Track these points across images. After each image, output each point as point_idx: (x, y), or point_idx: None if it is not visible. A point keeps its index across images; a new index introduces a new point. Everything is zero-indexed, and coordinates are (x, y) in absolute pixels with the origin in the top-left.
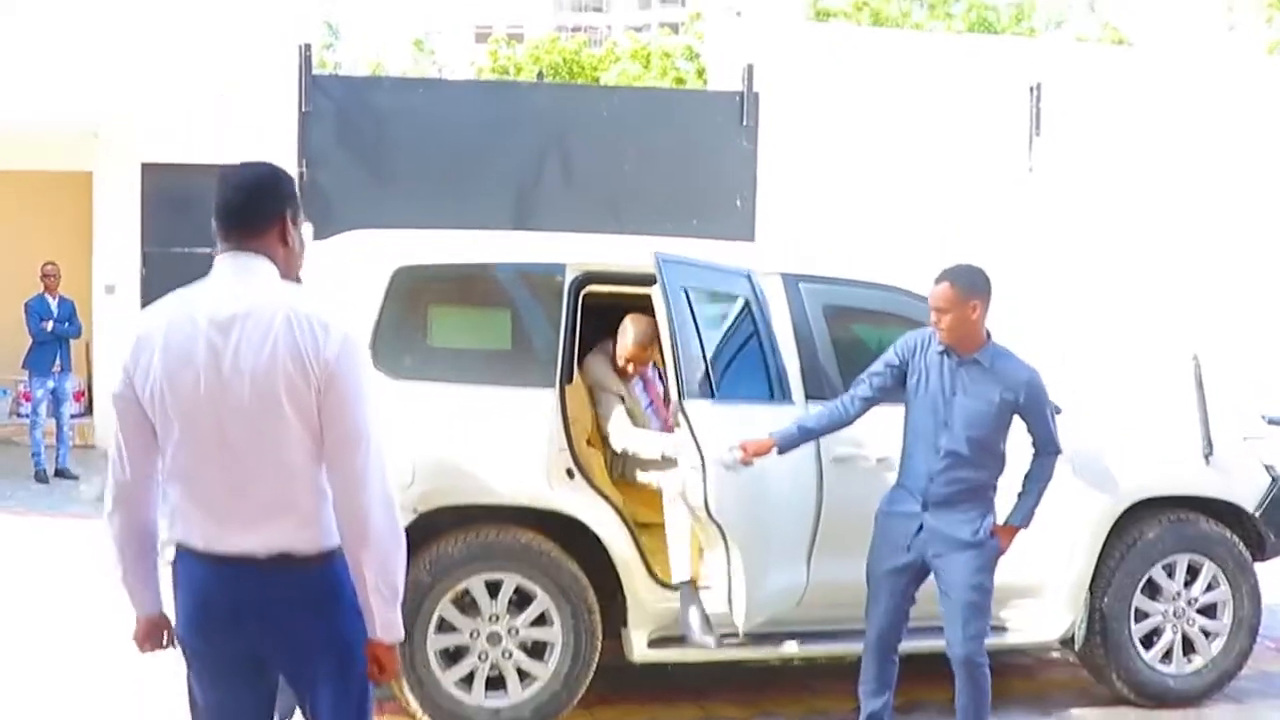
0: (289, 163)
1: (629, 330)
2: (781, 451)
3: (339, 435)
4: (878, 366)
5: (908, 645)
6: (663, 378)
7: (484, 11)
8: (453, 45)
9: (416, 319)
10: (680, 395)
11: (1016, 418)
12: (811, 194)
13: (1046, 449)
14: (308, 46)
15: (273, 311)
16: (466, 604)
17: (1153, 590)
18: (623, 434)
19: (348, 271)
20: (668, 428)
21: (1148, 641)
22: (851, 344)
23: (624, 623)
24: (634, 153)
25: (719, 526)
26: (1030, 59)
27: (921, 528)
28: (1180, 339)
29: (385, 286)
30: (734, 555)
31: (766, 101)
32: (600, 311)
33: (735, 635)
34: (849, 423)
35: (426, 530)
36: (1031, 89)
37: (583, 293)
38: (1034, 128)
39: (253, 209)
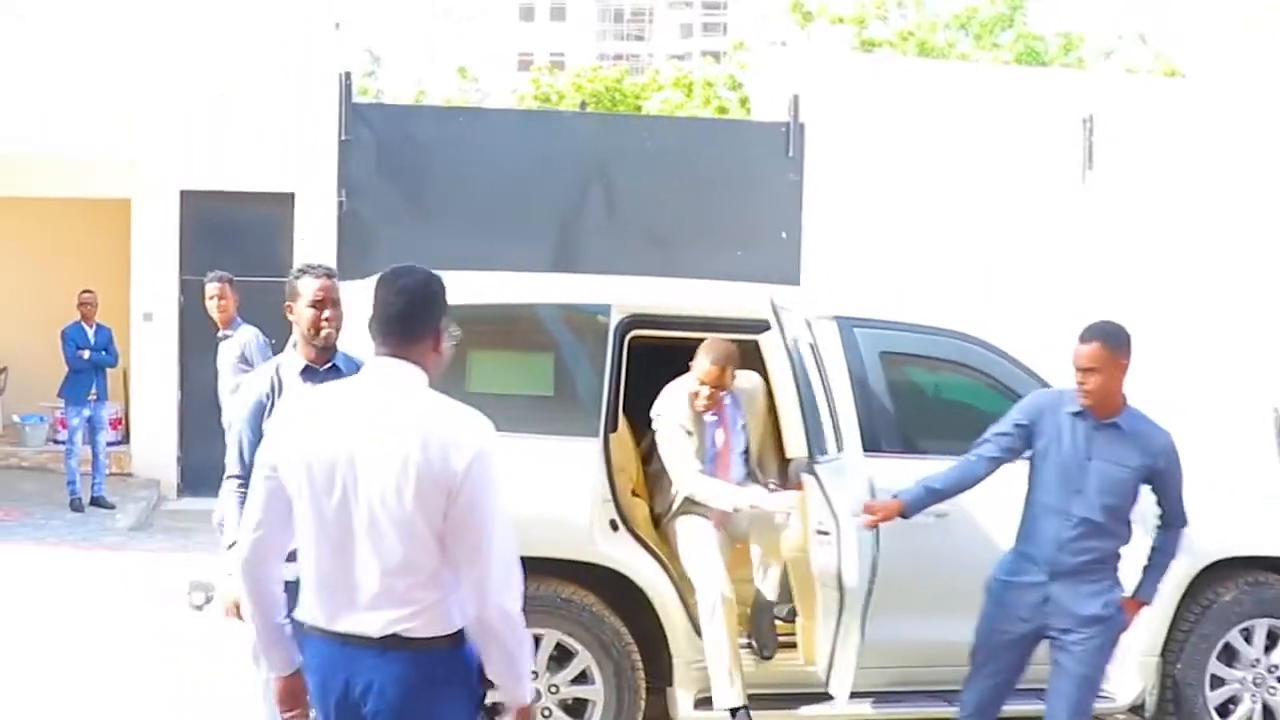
0: (328, 191)
1: (709, 351)
2: (907, 515)
3: (466, 546)
4: (1004, 426)
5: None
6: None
7: (526, 39)
8: (495, 73)
9: (454, 363)
10: (811, 454)
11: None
12: (858, 228)
13: (1177, 520)
14: (348, 74)
15: (412, 422)
16: None
17: (1230, 656)
18: (692, 478)
19: None
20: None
21: (1224, 710)
22: (909, 391)
23: (669, 681)
24: (678, 183)
25: (840, 594)
26: (1081, 91)
27: (1047, 600)
28: (1253, 385)
29: None
30: (850, 623)
31: (812, 133)
32: (646, 356)
33: None
34: (977, 484)
35: None
36: (1084, 121)
37: (629, 336)
38: (1087, 161)
39: (411, 317)
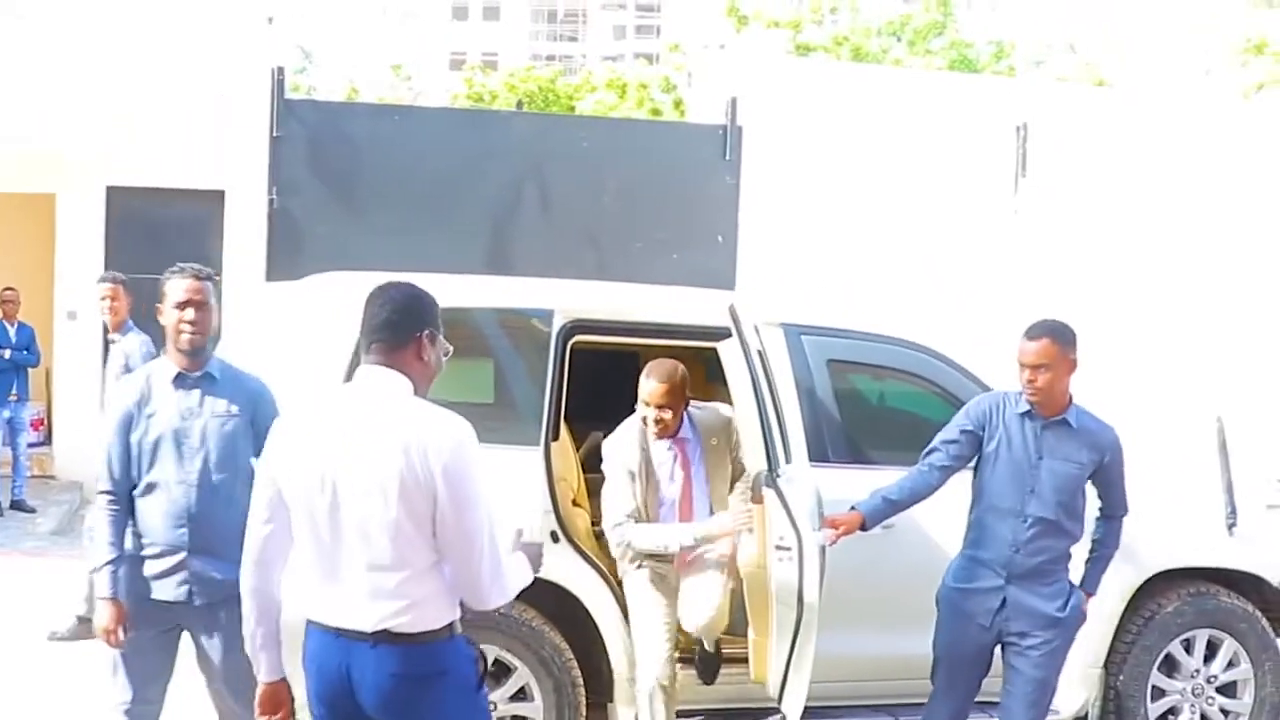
0: (259, 189)
1: (653, 370)
2: (866, 528)
3: (455, 545)
4: (950, 433)
5: None
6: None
7: (459, 39)
8: (428, 72)
9: None
10: (771, 467)
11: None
12: (794, 231)
13: (1119, 509)
14: (280, 69)
15: (394, 428)
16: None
17: (1170, 667)
18: (620, 530)
19: (315, 317)
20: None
21: None
22: (857, 401)
23: (610, 697)
24: (614, 185)
25: (799, 610)
26: (1014, 98)
27: (1004, 603)
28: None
29: (357, 334)
30: (805, 641)
31: (750, 136)
32: (588, 364)
33: None
34: (931, 494)
35: None
36: (1018, 129)
37: (571, 342)
38: (1020, 168)
39: (394, 326)
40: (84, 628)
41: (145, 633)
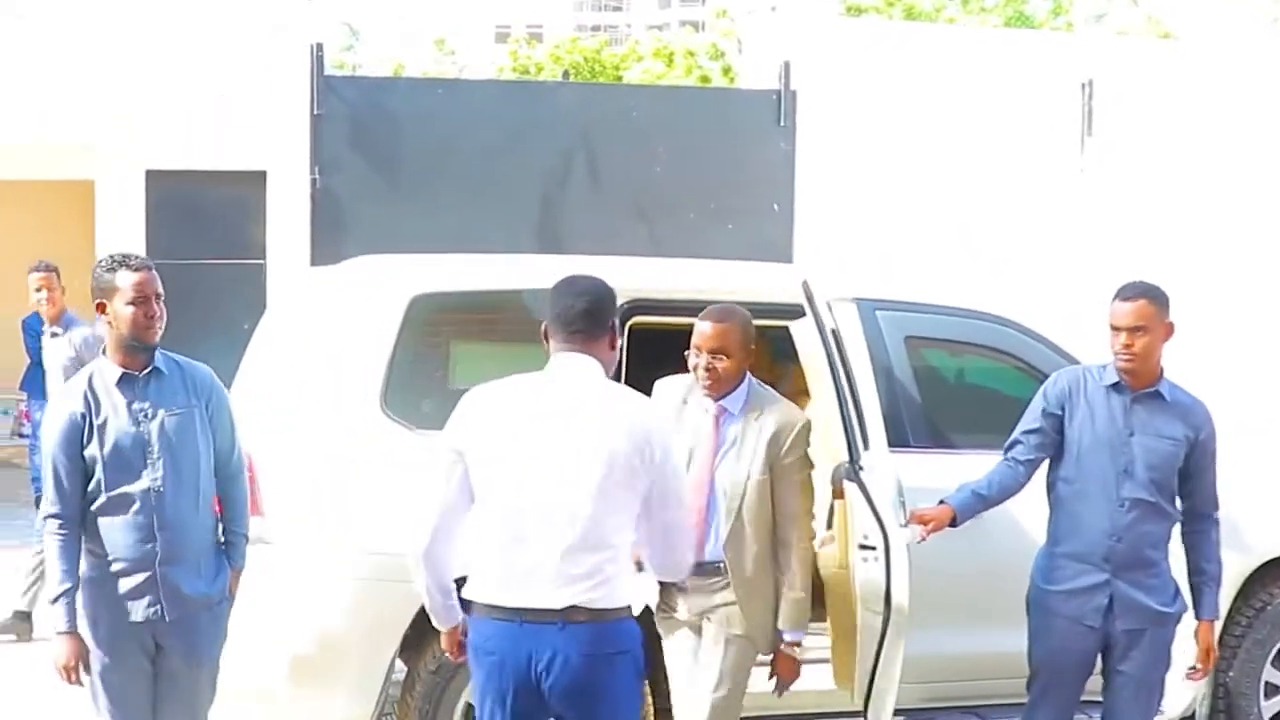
0: (301, 169)
1: (711, 312)
2: (957, 524)
3: (665, 516)
4: (1030, 420)
5: None
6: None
7: (503, 11)
8: (473, 45)
9: (437, 356)
10: (852, 458)
11: None
12: (853, 198)
13: (1210, 507)
14: (319, 46)
15: (609, 412)
16: None
17: None
18: None
19: (357, 302)
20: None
21: None
22: (937, 380)
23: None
24: (665, 155)
25: (887, 615)
26: (1077, 54)
27: (1112, 600)
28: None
29: (400, 318)
30: (893, 646)
31: (804, 100)
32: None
33: None
34: (1020, 490)
35: None
36: (1083, 86)
37: (630, 324)
38: (1086, 127)
39: (592, 316)
40: (20, 625)
41: (123, 658)
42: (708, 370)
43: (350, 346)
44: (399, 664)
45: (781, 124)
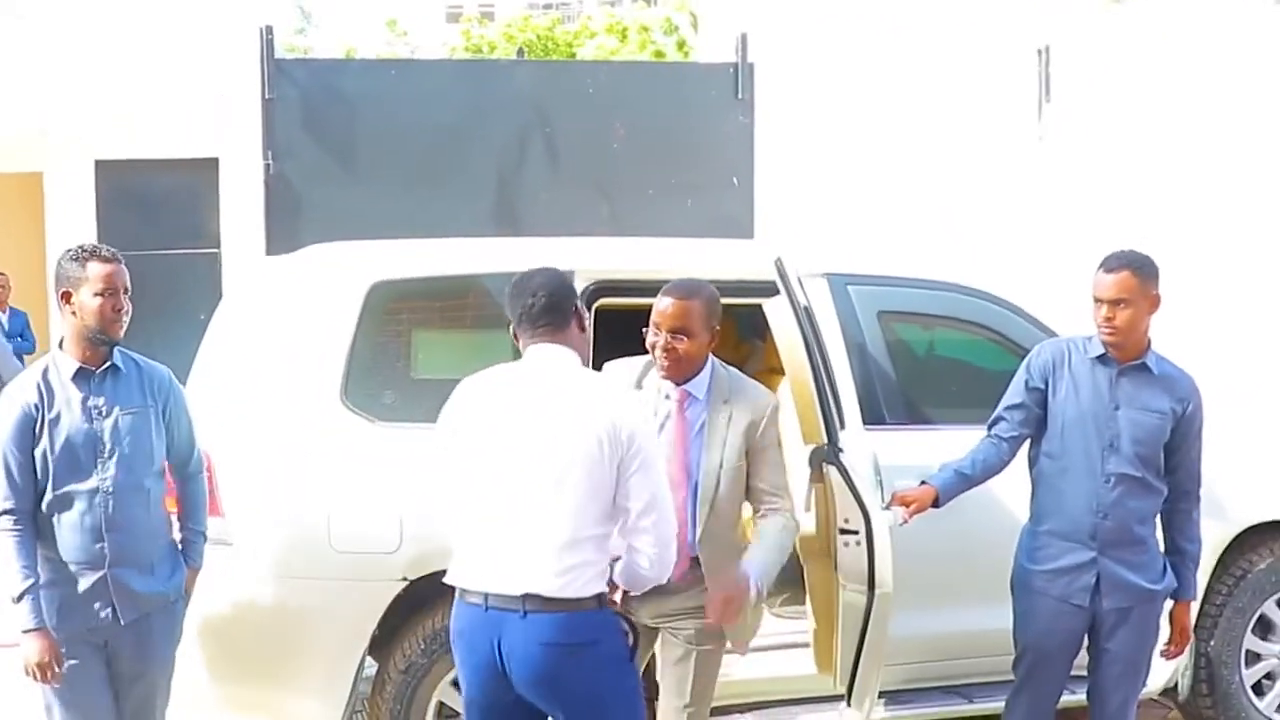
0: (253, 154)
1: (672, 287)
2: (939, 504)
3: (639, 506)
4: (1014, 395)
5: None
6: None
7: None
8: (425, 26)
9: (398, 346)
10: (831, 440)
11: None
12: (811, 169)
13: (1192, 484)
14: (269, 29)
15: (586, 399)
16: None
17: (1265, 629)
18: None
19: (314, 291)
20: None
21: (1260, 689)
22: (913, 355)
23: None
24: (623, 132)
25: (870, 599)
26: (1031, 20)
27: (1099, 579)
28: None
29: (359, 307)
30: (877, 631)
31: (762, 73)
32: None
33: None
34: (1004, 468)
35: (419, 601)
36: (1040, 52)
37: (596, 306)
38: (1044, 93)
39: (553, 311)
40: None
41: (84, 666)
42: (666, 351)
43: (308, 337)
44: (370, 661)
45: (739, 97)
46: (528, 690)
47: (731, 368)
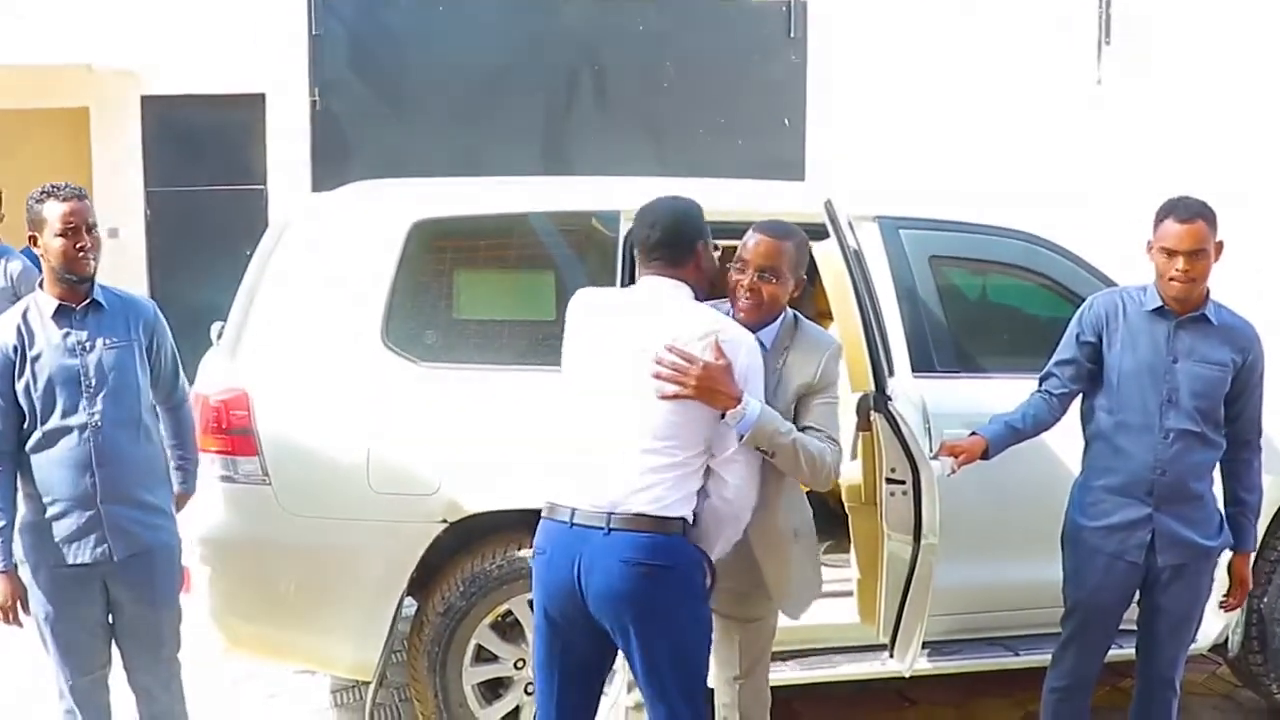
0: (300, 91)
1: (765, 226)
2: (989, 456)
3: (734, 438)
4: (1066, 350)
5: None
6: None
7: None
8: None
9: (440, 286)
10: (880, 388)
11: None
12: (864, 111)
13: (1253, 431)
14: None
15: (687, 323)
16: (509, 628)
17: None
18: None
19: (355, 229)
20: None
21: None
22: (964, 301)
23: None
24: (673, 71)
25: (915, 551)
26: None
27: (1153, 535)
28: None
29: (400, 246)
30: (922, 583)
31: (815, 11)
32: None
33: None
34: (1055, 424)
35: (458, 544)
36: None
37: None
38: (1104, 35)
39: (669, 246)
40: None
41: (70, 604)
42: (751, 291)
43: (349, 276)
44: (410, 601)
45: (791, 36)
46: (601, 607)
47: (803, 317)
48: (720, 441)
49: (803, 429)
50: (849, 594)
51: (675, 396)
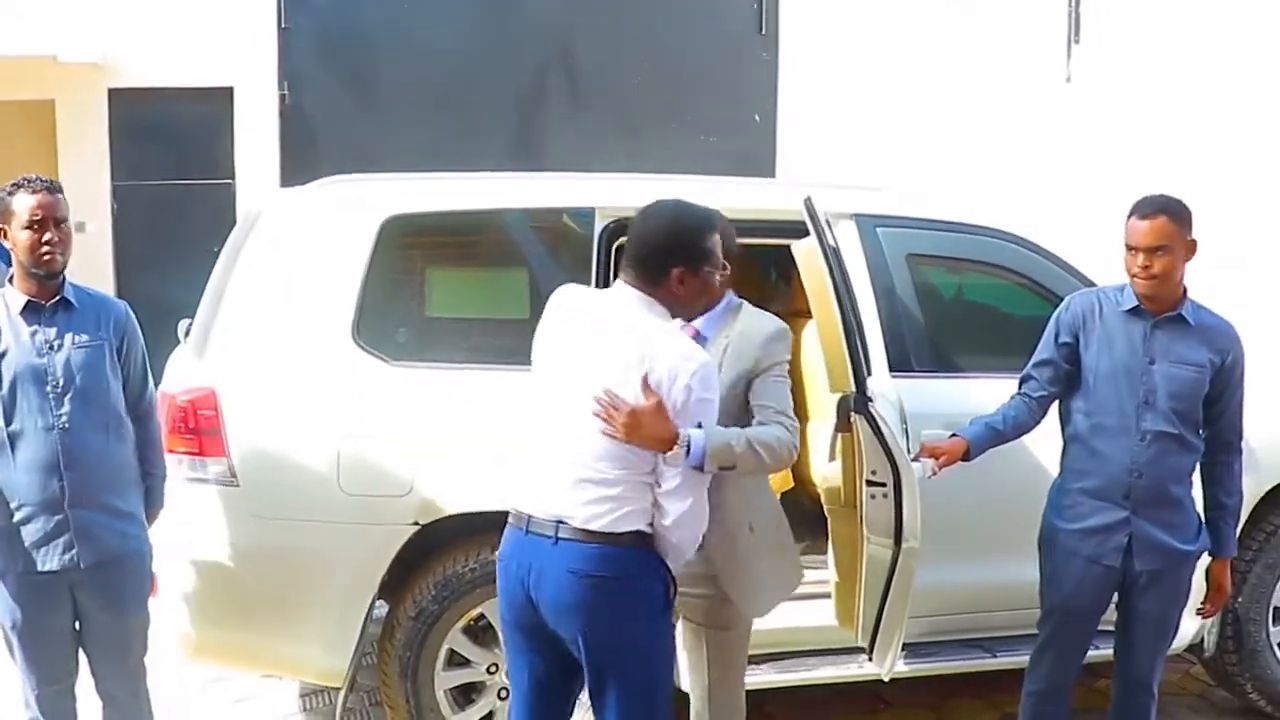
0: (269, 84)
1: None
2: (970, 457)
3: (676, 472)
4: (1044, 352)
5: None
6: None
7: None
8: None
9: (412, 283)
10: (860, 388)
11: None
12: (835, 108)
13: (1234, 435)
14: None
15: (640, 337)
16: (482, 633)
17: None
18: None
19: (325, 225)
20: None
21: None
22: (942, 300)
23: None
24: (644, 66)
25: (895, 555)
26: None
27: (1130, 539)
28: None
29: (372, 242)
30: (902, 587)
31: (786, 7)
32: None
33: None
34: (1035, 427)
35: (430, 546)
36: None
37: (616, 244)
38: (1073, 33)
39: (646, 261)
40: None
41: (38, 612)
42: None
43: (319, 273)
44: (380, 602)
45: (763, 32)
46: (553, 618)
47: (745, 302)
48: (661, 473)
49: (758, 407)
50: (826, 596)
51: (611, 435)
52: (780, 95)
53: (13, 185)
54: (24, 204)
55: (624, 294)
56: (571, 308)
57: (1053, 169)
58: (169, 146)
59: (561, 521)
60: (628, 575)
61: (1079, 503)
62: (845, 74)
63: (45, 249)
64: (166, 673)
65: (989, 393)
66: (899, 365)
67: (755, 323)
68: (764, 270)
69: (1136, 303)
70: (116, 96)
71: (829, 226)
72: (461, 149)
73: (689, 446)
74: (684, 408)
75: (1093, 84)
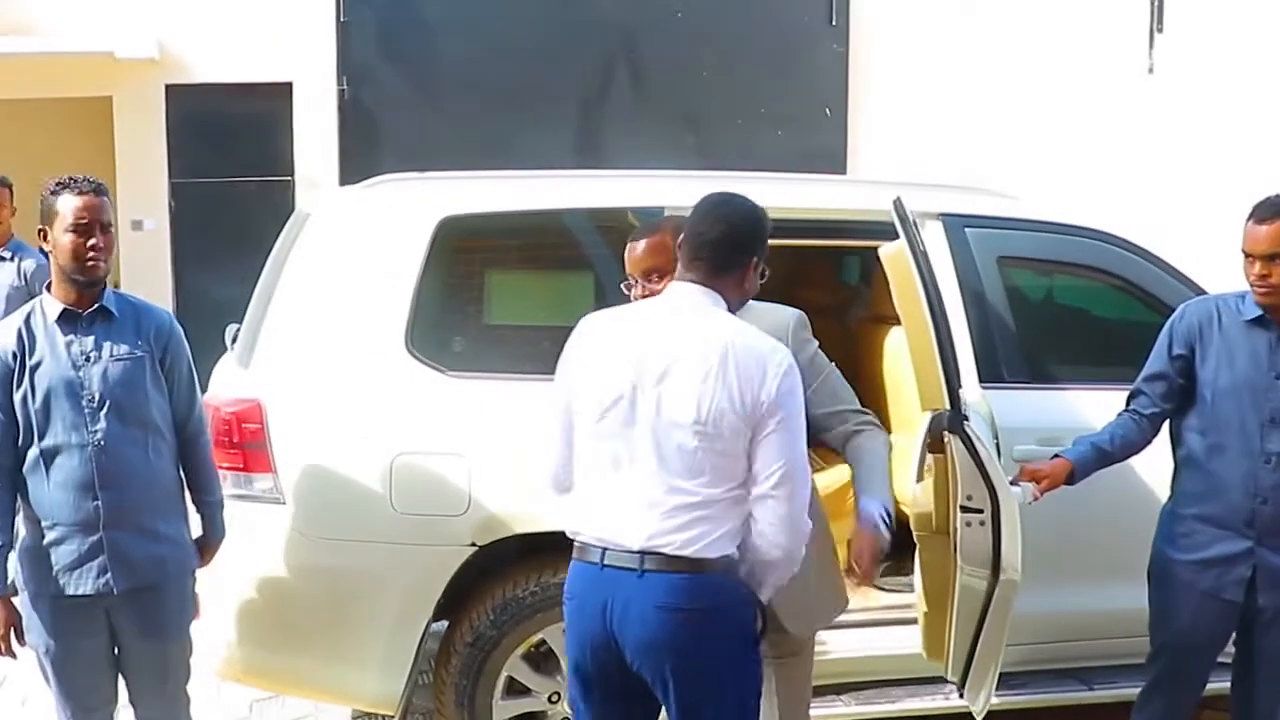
0: (328, 79)
1: (638, 233)
2: (1074, 481)
3: (772, 472)
4: (1155, 365)
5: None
6: None
7: None
8: None
9: (469, 288)
10: (953, 401)
11: None
12: (907, 100)
13: None
14: None
15: (721, 342)
16: (543, 659)
17: None
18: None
19: (377, 226)
20: None
21: None
22: (1036, 306)
23: None
24: (711, 59)
25: (991, 586)
26: None
27: (1255, 571)
28: None
29: (426, 245)
30: (998, 620)
31: None
32: None
33: None
34: (1145, 447)
35: (489, 568)
36: None
37: None
38: (1156, 23)
39: (720, 250)
40: None
41: (72, 637)
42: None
43: (371, 277)
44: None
45: (833, 24)
46: (638, 658)
47: (753, 301)
48: (755, 477)
49: (830, 415)
50: (908, 621)
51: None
52: (851, 88)
53: (57, 185)
54: (69, 205)
55: (688, 290)
56: (602, 327)
57: (1133, 164)
58: (227, 143)
59: (648, 552)
60: (721, 605)
61: (1195, 530)
62: (918, 66)
63: (90, 255)
64: (213, 690)
65: (1084, 404)
66: (989, 375)
67: (771, 317)
68: (843, 272)
69: (1260, 312)
70: (174, 93)
71: (919, 229)
72: (523, 145)
73: (884, 518)
74: (773, 404)
75: (1176, 75)
